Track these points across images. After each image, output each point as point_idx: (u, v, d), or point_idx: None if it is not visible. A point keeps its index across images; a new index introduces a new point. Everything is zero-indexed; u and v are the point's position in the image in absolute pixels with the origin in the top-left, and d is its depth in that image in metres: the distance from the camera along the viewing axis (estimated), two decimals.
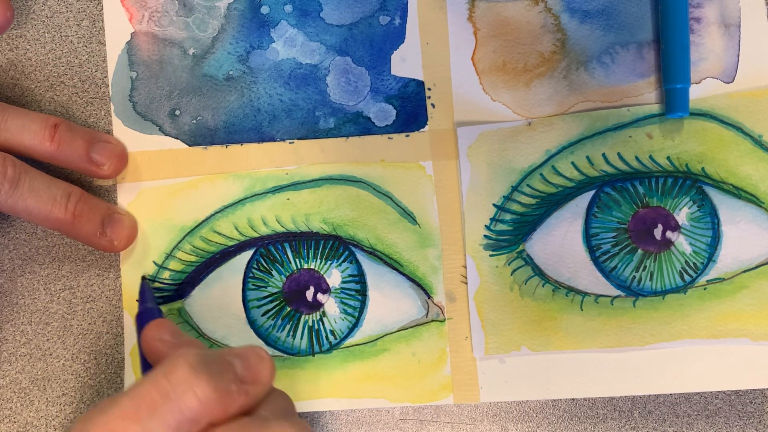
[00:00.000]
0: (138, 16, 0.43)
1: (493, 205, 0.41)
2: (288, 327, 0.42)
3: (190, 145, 0.42)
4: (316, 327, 0.42)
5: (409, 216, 0.42)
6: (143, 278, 0.42)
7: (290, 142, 0.42)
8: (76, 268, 0.43)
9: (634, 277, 0.41)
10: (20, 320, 0.43)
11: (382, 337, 0.41)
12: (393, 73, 0.42)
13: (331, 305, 0.42)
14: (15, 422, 0.42)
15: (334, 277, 0.42)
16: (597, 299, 0.41)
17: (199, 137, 0.42)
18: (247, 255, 0.42)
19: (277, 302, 0.42)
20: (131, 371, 0.42)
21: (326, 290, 0.42)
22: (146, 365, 0.36)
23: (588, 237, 0.41)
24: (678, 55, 0.40)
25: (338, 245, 0.42)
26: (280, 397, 0.35)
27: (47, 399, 0.42)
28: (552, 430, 0.42)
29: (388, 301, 0.41)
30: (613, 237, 0.41)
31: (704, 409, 0.41)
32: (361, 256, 0.41)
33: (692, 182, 0.40)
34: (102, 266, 0.43)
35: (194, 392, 0.31)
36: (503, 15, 0.42)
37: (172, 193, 0.42)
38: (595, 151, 0.41)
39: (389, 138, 0.42)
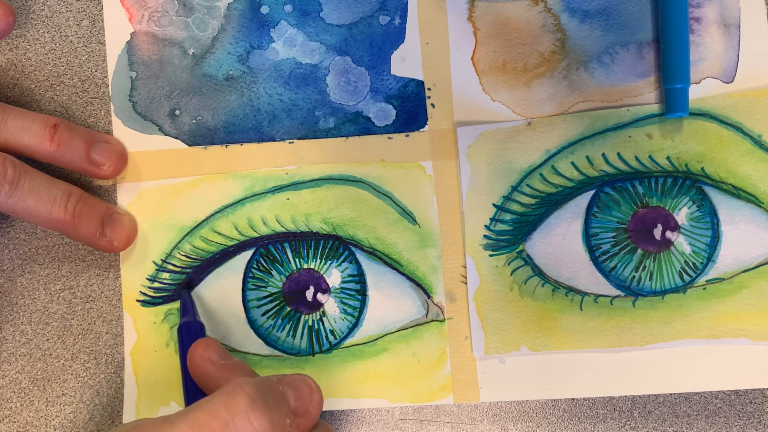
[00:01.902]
0: (138, 16, 0.43)
1: (493, 205, 0.41)
2: (288, 327, 0.42)
3: (190, 145, 0.42)
4: (316, 327, 0.42)
5: (409, 216, 0.42)
6: (184, 289, 0.42)
7: (290, 142, 0.42)
8: (76, 268, 0.43)
9: (634, 277, 0.41)
10: (20, 320, 0.43)
11: (382, 337, 0.41)
12: (393, 73, 0.42)
13: (331, 305, 0.42)
14: (15, 422, 0.42)
15: (334, 277, 0.42)
16: (596, 299, 0.41)
17: (199, 137, 0.42)
18: (247, 255, 0.42)
19: (277, 302, 0.42)
20: (131, 371, 0.42)
21: (326, 290, 0.42)
22: (187, 376, 0.37)
23: (588, 237, 0.41)
24: (678, 55, 0.40)
25: (338, 245, 0.42)
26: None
27: (47, 399, 0.42)
28: (552, 430, 0.42)
29: (388, 301, 0.41)
30: (612, 237, 0.41)
31: (704, 409, 0.41)
32: (361, 256, 0.41)
33: (692, 182, 0.40)
34: (102, 266, 0.43)
35: (252, 425, 0.31)
36: (503, 15, 0.42)
37: (172, 193, 0.42)
38: (595, 151, 0.41)
39: (389, 138, 0.42)
